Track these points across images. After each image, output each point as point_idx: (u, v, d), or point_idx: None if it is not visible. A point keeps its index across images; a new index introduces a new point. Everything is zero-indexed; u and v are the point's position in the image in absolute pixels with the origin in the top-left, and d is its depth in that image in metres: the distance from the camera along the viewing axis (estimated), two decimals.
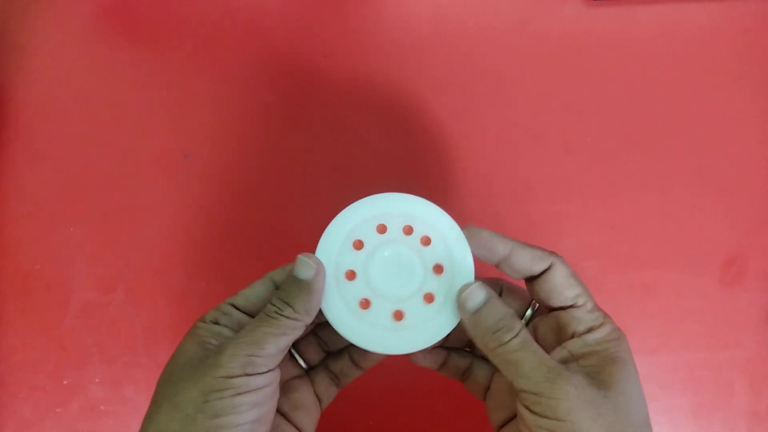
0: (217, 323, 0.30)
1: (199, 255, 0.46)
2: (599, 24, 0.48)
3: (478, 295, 0.29)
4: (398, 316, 0.30)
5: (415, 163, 0.47)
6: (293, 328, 0.28)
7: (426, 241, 0.31)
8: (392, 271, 0.31)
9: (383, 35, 0.48)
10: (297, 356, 0.34)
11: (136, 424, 0.44)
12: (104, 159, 0.47)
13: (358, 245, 0.31)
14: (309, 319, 0.29)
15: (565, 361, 0.29)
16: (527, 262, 0.30)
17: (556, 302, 0.30)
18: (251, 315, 0.31)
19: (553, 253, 0.31)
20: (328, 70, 0.48)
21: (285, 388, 0.32)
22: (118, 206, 0.46)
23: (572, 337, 0.29)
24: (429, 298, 0.31)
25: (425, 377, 0.43)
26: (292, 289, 0.29)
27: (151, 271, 0.45)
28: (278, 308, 0.28)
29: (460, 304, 0.29)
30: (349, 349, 0.34)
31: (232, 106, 0.47)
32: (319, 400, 0.33)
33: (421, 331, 0.30)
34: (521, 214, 0.46)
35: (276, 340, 0.27)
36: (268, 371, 0.27)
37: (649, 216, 0.46)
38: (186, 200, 0.46)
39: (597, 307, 0.30)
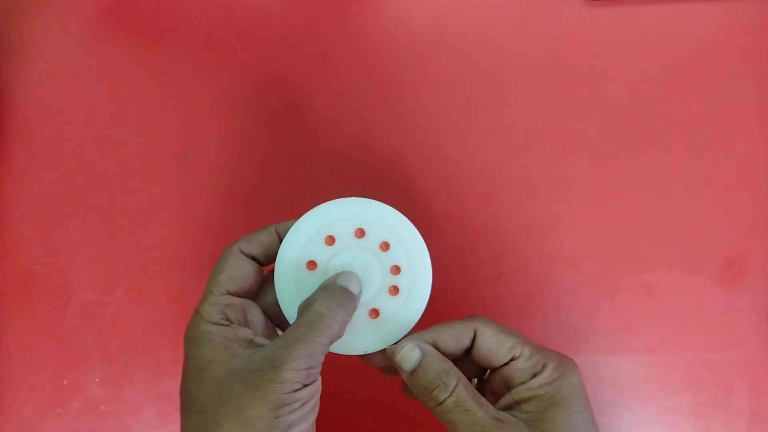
0: (227, 320, 0.30)
1: (199, 255, 0.46)
2: (599, 24, 0.48)
3: (412, 356, 0.30)
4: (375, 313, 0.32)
5: (415, 163, 0.47)
6: (338, 337, 0.29)
7: (396, 270, 0.32)
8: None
9: (383, 35, 0.48)
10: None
11: (136, 424, 0.44)
12: (104, 159, 0.47)
13: (330, 241, 0.32)
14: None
15: (509, 407, 0.30)
16: (453, 343, 0.31)
17: (497, 363, 0.31)
18: (245, 296, 0.31)
19: (471, 317, 0.31)
20: (328, 70, 0.48)
21: None
22: (118, 206, 0.46)
23: (519, 384, 0.30)
24: (374, 313, 0.33)
25: None
26: (343, 299, 0.30)
27: (151, 271, 0.45)
28: (332, 316, 0.29)
29: (396, 364, 0.31)
30: None
31: (232, 106, 0.47)
32: None
33: (363, 337, 0.32)
34: (521, 215, 0.46)
35: (326, 349, 0.28)
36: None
37: (649, 216, 0.46)
38: (186, 200, 0.46)
39: (536, 350, 0.31)
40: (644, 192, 0.46)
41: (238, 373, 0.27)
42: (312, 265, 0.32)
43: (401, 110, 0.47)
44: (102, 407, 0.44)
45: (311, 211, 0.33)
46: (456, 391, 0.29)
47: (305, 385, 0.27)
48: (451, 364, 0.30)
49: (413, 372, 0.30)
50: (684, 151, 0.47)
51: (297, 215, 0.33)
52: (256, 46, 0.48)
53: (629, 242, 0.46)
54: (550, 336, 0.45)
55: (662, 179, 0.46)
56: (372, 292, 0.32)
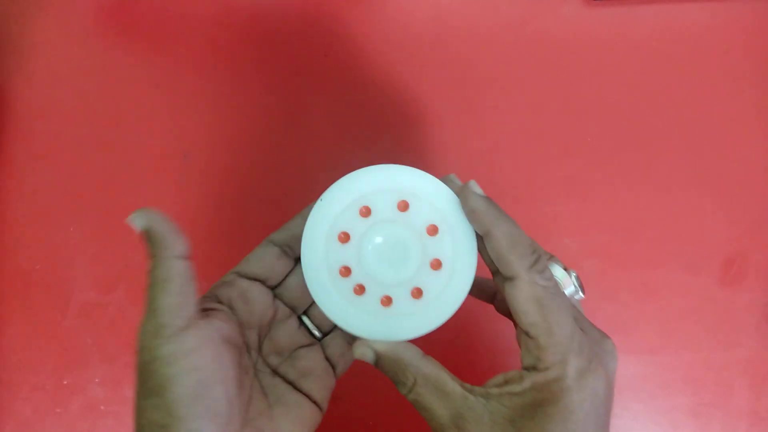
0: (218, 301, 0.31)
1: (199, 255, 0.45)
2: (599, 24, 0.48)
3: (366, 356, 0.29)
4: (386, 302, 0.29)
5: (415, 164, 0.47)
6: (170, 276, 0.28)
7: (437, 264, 0.29)
8: (387, 256, 0.29)
9: (383, 35, 0.48)
10: (309, 324, 0.33)
11: None
12: (104, 159, 0.47)
13: (366, 212, 0.29)
14: (177, 252, 0.28)
15: (500, 384, 0.27)
16: (494, 258, 0.28)
17: (516, 320, 0.27)
18: (256, 279, 0.31)
19: (532, 263, 0.27)
20: (328, 70, 0.48)
21: (292, 356, 0.32)
22: (118, 206, 0.46)
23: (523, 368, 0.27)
24: (418, 292, 0.29)
25: None
26: (150, 242, 0.29)
27: None
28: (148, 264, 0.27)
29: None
30: None
31: (232, 106, 0.47)
32: (333, 366, 0.32)
33: (411, 320, 0.29)
34: (521, 214, 0.46)
35: (164, 297, 0.27)
36: (182, 331, 0.27)
37: (649, 216, 0.46)
38: (186, 200, 0.46)
39: (552, 345, 0.25)
40: (644, 192, 0.46)
41: None
42: (345, 236, 0.29)
43: (401, 110, 0.47)
44: (102, 407, 0.44)
45: (347, 176, 0.29)
46: (414, 389, 0.27)
47: (159, 341, 0.28)
48: (411, 358, 0.28)
49: (376, 364, 0.29)
50: (684, 151, 0.47)
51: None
52: (256, 46, 0.48)
53: (629, 242, 0.46)
54: None
55: (662, 179, 0.46)
56: (410, 271, 0.29)
